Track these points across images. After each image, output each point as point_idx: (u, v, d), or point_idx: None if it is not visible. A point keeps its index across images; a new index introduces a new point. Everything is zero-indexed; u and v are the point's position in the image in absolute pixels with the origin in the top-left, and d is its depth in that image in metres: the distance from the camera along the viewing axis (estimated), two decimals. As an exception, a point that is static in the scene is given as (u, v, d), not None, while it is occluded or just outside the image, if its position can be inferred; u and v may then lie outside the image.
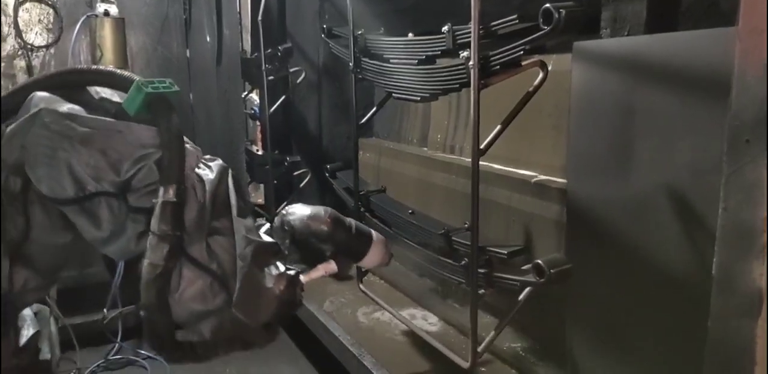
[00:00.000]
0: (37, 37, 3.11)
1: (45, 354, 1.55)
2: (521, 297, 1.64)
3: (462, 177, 2.26)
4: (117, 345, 3.03)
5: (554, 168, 1.85)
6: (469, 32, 1.56)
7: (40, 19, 3.11)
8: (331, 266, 1.51)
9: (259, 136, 3.56)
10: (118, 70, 1.22)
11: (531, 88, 1.62)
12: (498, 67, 1.55)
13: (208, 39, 3.26)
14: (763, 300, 0.86)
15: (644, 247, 1.40)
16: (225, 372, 2.87)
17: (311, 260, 1.49)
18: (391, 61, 2.05)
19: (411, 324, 2.22)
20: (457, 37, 1.69)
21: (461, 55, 1.63)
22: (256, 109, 3.51)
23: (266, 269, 1.29)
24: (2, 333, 1.19)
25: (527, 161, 1.98)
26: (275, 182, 3.24)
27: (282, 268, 1.34)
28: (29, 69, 3.09)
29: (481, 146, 1.63)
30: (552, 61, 1.72)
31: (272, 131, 3.18)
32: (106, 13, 3.09)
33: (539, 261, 1.54)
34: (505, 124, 1.64)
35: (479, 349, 1.76)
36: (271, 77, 3.09)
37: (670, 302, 1.36)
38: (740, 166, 0.87)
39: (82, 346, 2.76)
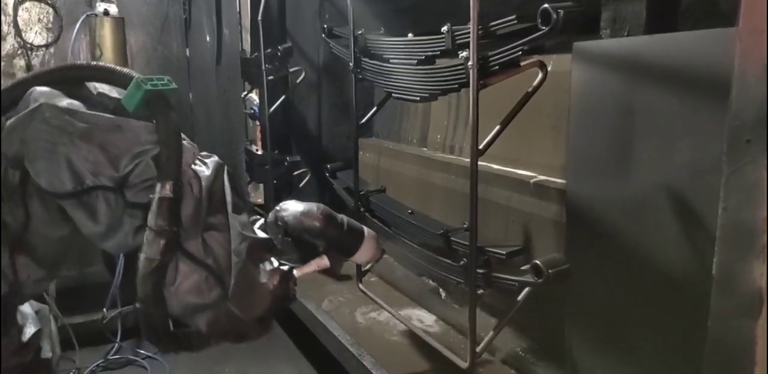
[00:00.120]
0: (36, 36, 3.11)
1: (46, 352, 1.55)
2: (520, 297, 1.64)
3: (461, 177, 2.26)
4: (116, 344, 3.03)
5: (553, 168, 1.85)
6: (468, 32, 1.56)
7: (39, 19, 3.11)
8: (324, 261, 1.53)
9: (259, 136, 3.55)
10: (118, 67, 1.22)
11: (530, 89, 1.62)
12: (497, 67, 1.55)
13: (207, 39, 3.26)
14: (763, 300, 0.86)
15: (644, 247, 1.40)
16: (225, 372, 2.87)
17: (304, 256, 1.50)
18: (391, 61, 2.05)
19: (410, 323, 2.22)
20: (457, 38, 1.69)
21: (460, 55, 1.63)
22: (256, 109, 3.50)
23: (260, 264, 1.31)
24: (3, 331, 1.20)
25: (526, 162, 1.98)
26: (275, 181, 3.24)
27: (275, 263, 1.35)
28: (29, 68, 3.09)
29: (480, 146, 1.63)
30: (551, 61, 1.73)
31: (272, 131, 3.18)
32: (106, 13, 3.09)
33: (537, 262, 1.54)
34: (505, 124, 1.64)
35: (478, 349, 1.76)
36: (270, 77, 3.09)
37: (669, 302, 1.36)
38: (740, 166, 0.87)
39: (82, 346, 2.76)
